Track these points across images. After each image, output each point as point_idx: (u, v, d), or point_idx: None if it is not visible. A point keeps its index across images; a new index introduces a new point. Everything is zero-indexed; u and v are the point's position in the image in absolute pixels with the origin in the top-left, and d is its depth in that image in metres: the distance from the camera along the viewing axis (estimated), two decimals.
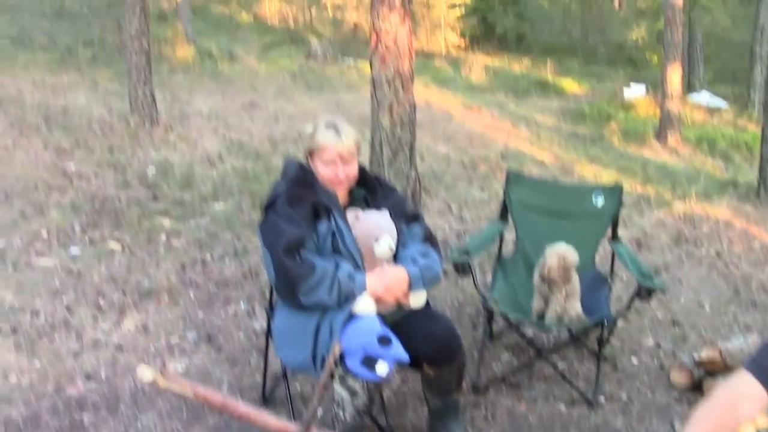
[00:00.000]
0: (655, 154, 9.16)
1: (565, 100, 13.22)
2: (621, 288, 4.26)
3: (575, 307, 3.19)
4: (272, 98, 10.36)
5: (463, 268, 2.99)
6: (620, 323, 3.79)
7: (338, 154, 2.47)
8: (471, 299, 4.12)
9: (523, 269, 3.51)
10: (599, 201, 3.62)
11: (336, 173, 2.48)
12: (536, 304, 3.28)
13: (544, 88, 14.01)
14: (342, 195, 2.58)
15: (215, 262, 4.43)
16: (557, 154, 8.76)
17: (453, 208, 6.06)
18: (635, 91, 13.24)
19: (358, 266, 2.40)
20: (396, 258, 2.52)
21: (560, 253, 3.18)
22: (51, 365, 3.17)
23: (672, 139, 9.80)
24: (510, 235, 3.92)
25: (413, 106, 5.19)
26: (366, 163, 5.72)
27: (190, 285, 4.09)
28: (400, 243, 2.54)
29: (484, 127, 10.01)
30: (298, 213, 2.38)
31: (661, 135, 9.91)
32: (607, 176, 7.52)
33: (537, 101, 12.81)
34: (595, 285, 3.42)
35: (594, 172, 7.75)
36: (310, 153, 2.53)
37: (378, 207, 2.58)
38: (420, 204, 5.58)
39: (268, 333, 2.81)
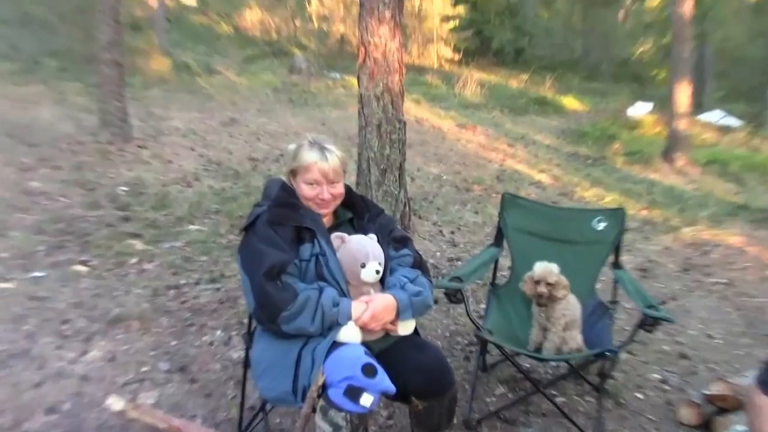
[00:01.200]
0: (662, 176, 9.27)
1: (565, 118, 13.41)
2: (624, 318, 4.31)
3: (575, 338, 3.23)
4: (253, 115, 10.46)
5: (455, 296, 3.02)
6: (624, 356, 3.83)
7: (323, 173, 2.52)
8: (463, 329, 4.15)
9: (519, 297, 3.54)
10: (600, 225, 3.66)
11: (320, 194, 2.53)
12: (534, 334, 3.31)
13: (543, 105, 14.21)
14: (327, 217, 2.61)
15: (190, 288, 4.45)
16: (556, 175, 8.87)
17: (445, 232, 6.13)
18: (640, 109, 13.41)
19: (343, 292, 2.43)
20: (383, 284, 2.54)
21: (546, 266, 3.26)
22: (9, 398, 3.15)
23: (680, 160, 9.88)
24: (505, 261, 3.95)
25: (403, 124, 5.28)
26: (353, 184, 5.84)
27: (162, 312, 4.10)
28: (388, 268, 2.57)
29: (478, 146, 10.13)
30: (280, 235, 2.41)
31: (668, 156, 10.00)
32: (609, 199, 7.62)
33: (535, 119, 13.00)
34: (596, 315, 3.45)
35: (596, 195, 7.85)
36: (293, 172, 2.58)
37: (365, 230, 2.62)
38: (410, 227, 5.63)
39: (246, 363, 2.82)
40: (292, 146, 2.64)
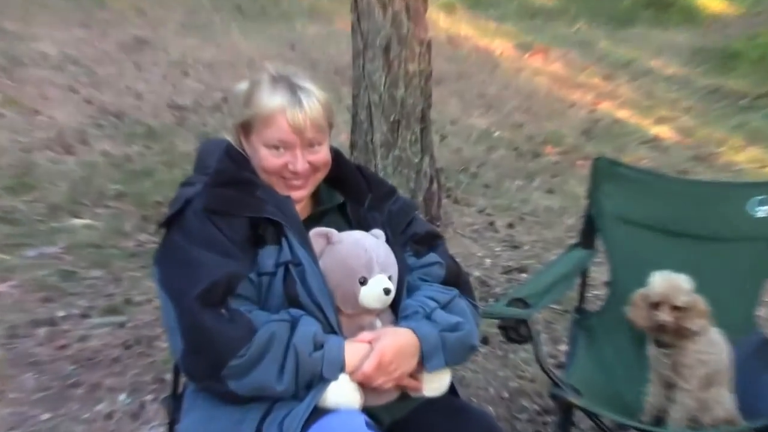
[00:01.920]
0: None
1: (701, 30, 13.32)
2: None
3: (722, 401, 3.25)
4: (175, 33, 10.47)
5: (517, 331, 3.04)
6: None
7: (295, 129, 2.56)
8: (531, 385, 4.21)
9: (625, 332, 3.56)
10: (763, 209, 3.69)
11: (291, 163, 2.59)
12: (652, 394, 3.33)
13: (662, 9, 14.10)
14: (302, 203, 2.68)
15: (74, 324, 4.52)
16: (687, 127, 8.87)
17: (498, 224, 6.21)
18: None
19: (331, 326, 2.46)
20: (397, 312, 2.60)
21: (670, 278, 3.28)
22: None
23: None
24: (600, 273, 4.01)
25: (427, 47, 5.33)
26: (344, 148, 5.81)
27: (25, 365, 4.16)
28: (405, 286, 2.63)
29: (553, 81, 10.11)
30: (225, 233, 2.45)
31: None
32: None
33: (649, 34, 12.91)
34: (759, 361, 3.47)
35: (755, 159, 7.84)
36: (245, 129, 2.65)
37: (365, 223, 2.69)
38: (440, 217, 5.71)
39: None
40: (242, 86, 2.68)
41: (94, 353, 4.30)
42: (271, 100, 2.57)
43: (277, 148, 2.57)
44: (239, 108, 2.65)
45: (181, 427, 2.59)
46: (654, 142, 8.31)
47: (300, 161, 2.58)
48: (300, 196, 2.65)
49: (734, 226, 3.70)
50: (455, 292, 2.67)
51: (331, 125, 2.68)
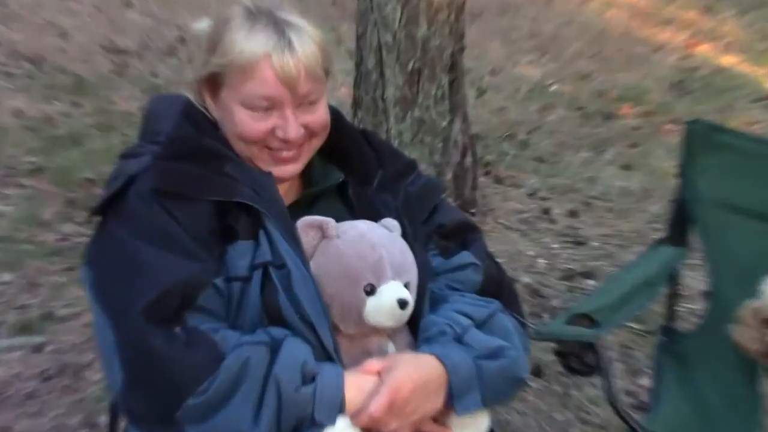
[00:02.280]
0: None
1: None
2: None
3: None
4: None
5: (580, 359, 3.02)
6: None
7: (285, 79, 2.51)
8: (599, 431, 4.18)
9: (728, 358, 3.51)
10: None
11: (282, 128, 2.56)
12: None
13: None
14: (286, 181, 2.66)
15: None
16: None
17: (555, 211, 6.19)
18: None
19: (326, 351, 2.41)
20: (416, 332, 2.56)
21: None
22: None
23: None
24: (695, 279, 3.94)
25: None
26: (345, 107, 5.81)
27: None
28: (427, 295, 2.60)
29: (629, 16, 10.14)
30: (182, 222, 2.41)
31: None
32: None
33: None
34: None
35: None
36: (213, 84, 2.61)
37: (373, 209, 2.67)
38: (476, 201, 5.67)
39: None
40: (203, 24, 2.65)
41: (2, 386, 4.29)
42: (250, 42, 2.52)
43: (259, 108, 2.53)
44: (202, 55, 2.61)
45: None
46: None
47: (292, 124, 2.55)
48: (291, 171, 2.65)
49: None
50: (496, 304, 2.63)
51: (328, 73, 2.64)
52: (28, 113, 6.69)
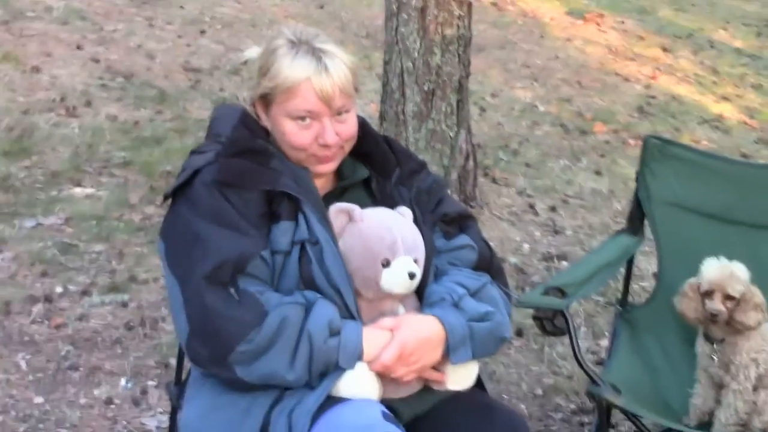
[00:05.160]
0: None
1: None
2: None
3: None
4: None
5: (552, 323, 3.04)
6: None
7: (323, 97, 2.53)
8: (568, 383, 4.23)
9: (673, 326, 3.59)
10: None
11: (322, 135, 2.57)
12: (699, 395, 3.34)
13: None
14: (323, 176, 2.68)
15: (72, 302, 4.55)
16: (752, 106, 8.80)
17: (539, 207, 6.22)
18: None
19: (349, 311, 2.47)
20: (422, 298, 2.61)
21: (724, 265, 3.27)
22: None
23: None
24: (648, 263, 4.01)
25: (468, 8, 5.32)
26: (374, 119, 5.84)
27: (18, 343, 4.20)
28: (432, 270, 2.64)
29: (606, 52, 10.05)
30: (238, 207, 2.46)
31: None
32: None
33: (716, 2, 12.79)
34: None
35: None
36: (265, 102, 2.63)
37: (391, 199, 2.69)
38: (475, 197, 5.75)
39: None
40: (253, 51, 2.68)
41: (94, 334, 4.32)
42: (294, 69, 2.53)
43: (302, 118, 2.55)
44: (255, 77, 2.64)
45: (183, 416, 2.61)
46: (716, 122, 8.26)
47: (329, 132, 2.56)
48: (329, 168, 2.66)
49: None
50: (487, 278, 2.67)
51: (357, 90, 2.65)
52: (121, 118, 6.70)
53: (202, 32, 8.94)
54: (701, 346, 3.36)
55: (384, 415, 2.29)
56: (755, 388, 3.24)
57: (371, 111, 5.86)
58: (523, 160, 6.90)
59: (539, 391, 4.17)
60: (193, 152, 2.65)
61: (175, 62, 8.01)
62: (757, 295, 3.26)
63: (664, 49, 10.32)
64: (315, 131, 2.56)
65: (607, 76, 9.22)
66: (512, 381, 4.21)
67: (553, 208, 6.16)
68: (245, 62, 2.68)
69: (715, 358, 3.30)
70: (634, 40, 10.56)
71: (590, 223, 5.99)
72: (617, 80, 9.15)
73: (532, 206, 6.15)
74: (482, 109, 7.68)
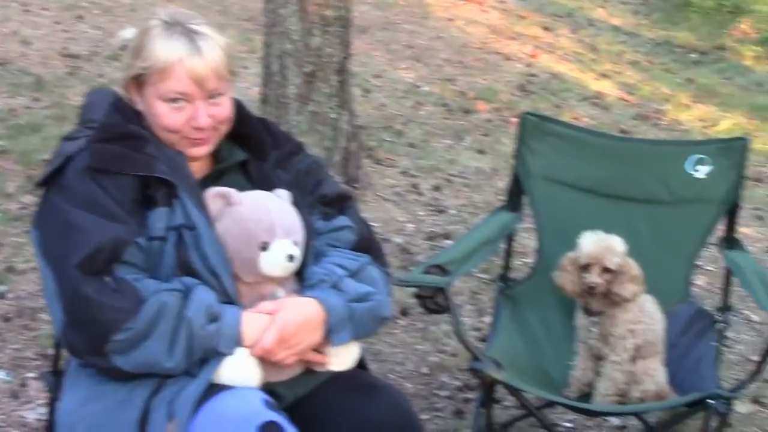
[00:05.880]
0: None
1: None
2: (747, 339, 4.44)
3: (654, 374, 3.31)
4: None
5: (434, 301, 3.05)
6: (744, 407, 3.91)
7: (196, 79, 2.52)
8: (452, 360, 4.24)
9: (552, 301, 3.63)
10: (702, 170, 3.71)
11: (194, 118, 2.56)
12: (578, 367, 3.39)
13: None
14: (199, 159, 2.66)
15: None
16: (631, 83, 8.97)
17: (423, 187, 6.24)
18: None
19: (228, 296, 2.46)
20: (302, 280, 2.61)
21: (601, 238, 3.33)
22: None
23: None
24: (528, 239, 4.03)
25: None
26: (255, 101, 5.85)
27: None
28: (311, 252, 2.64)
29: (488, 31, 10.14)
30: (111, 194, 2.43)
31: None
32: (728, 125, 7.70)
33: None
34: (692, 333, 3.52)
35: (703, 117, 7.95)
36: (138, 83, 2.59)
37: (268, 182, 2.68)
38: (358, 178, 5.74)
39: (51, 427, 2.82)
40: (129, 32, 2.64)
41: None
42: (167, 50, 2.51)
43: (175, 100, 2.53)
44: (128, 60, 2.60)
45: (61, 406, 2.57)
46: (595, 99, 8.39)
47: (202, 114, 2.54)
48: (203, 152, 2.63)
49: (671, 188, 3.74)
50: (366, 258, 2.68)
51: (232, 73, 2.64)
52: None
53: (80, 18, 8.82)
54: (580, 319, 3.41)
55: (266, 403, 2.28)
56: (633, 359, 3.30)
57: (253, 95, 5.83)
58: (407, 140, 6.92)
59: (425, 370, 4.18)
60: (66, 139, 2.62)
61: (52, 48, 7.89)
62: (634, 268, 3.32)
63: (545, 28, 10.45)
64: (188, 114, 2.53)
65: (489, 56, 9.30)
66: (397, 360, 4.22)
67: (437, 188, 6.19)
68: (124, 47, 2.63)
69: (594, 330, 3.35)
70: (515, 20, 10.68)
71: (474, 202, 6.02)
72: (499, 59, 9.23)
73: (416, 186, 6.17)
74: (366, 91, 7.69)
